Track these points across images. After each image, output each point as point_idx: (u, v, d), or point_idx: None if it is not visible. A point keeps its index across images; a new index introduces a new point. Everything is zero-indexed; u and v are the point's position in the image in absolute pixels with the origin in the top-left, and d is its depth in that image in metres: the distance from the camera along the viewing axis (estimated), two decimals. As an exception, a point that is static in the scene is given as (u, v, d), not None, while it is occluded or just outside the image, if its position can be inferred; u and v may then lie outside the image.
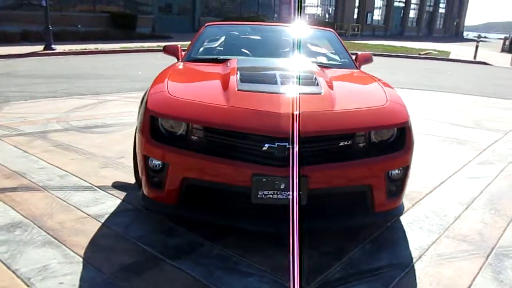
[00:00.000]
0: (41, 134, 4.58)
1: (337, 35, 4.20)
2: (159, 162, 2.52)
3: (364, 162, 2.44)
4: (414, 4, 44.18)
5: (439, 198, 3.41)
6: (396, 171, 2.56)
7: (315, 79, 2.88)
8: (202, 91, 2.79)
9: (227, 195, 2.45)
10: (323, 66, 3.52)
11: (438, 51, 21.41)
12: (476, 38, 26.87)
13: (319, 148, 2.39)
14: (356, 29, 33.22)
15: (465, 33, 59.44)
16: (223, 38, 4.19)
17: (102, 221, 2.78)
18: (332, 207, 2.49)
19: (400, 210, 2.68)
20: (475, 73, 14.12)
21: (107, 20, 20.65)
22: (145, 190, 2.65)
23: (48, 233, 2.59)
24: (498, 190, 3.64)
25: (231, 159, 2.36)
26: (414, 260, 2.50)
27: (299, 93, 2.60)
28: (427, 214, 3.09)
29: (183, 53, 3.91)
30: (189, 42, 4.25)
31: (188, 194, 2.48)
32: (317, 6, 35.28)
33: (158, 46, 16.16)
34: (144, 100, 2.73)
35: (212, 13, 27.37)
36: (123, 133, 4.77)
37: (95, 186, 3.30)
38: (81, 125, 5.04)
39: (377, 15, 39.94)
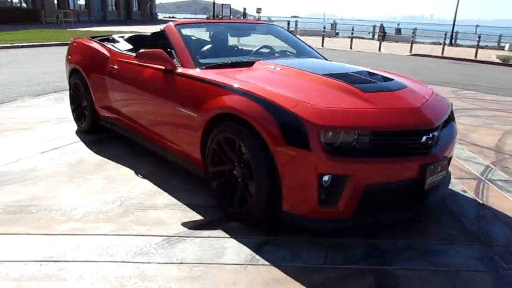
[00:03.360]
0: None
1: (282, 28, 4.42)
2: (329, 177, 2.42)
3: (454, 137, 3.05)
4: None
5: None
6: (453, 140, 3.28)
7: (375, 74, 3.23)
8: (330, 98, 2.68)
9: (397, 190, 2.62)
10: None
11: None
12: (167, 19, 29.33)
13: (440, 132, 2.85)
14: (59, 15, 30.66)
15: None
16: (209, 38, 3.77)
17: (266, 262, 2.41)
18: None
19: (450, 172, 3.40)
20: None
21: None
22: (307, 211, 2.48)
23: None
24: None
25: (403, 156, 2.55)
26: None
27: (400, 88, 2.93)
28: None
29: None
30: None
31: (364, 201, 2.50)
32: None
33: None
34: (287, 115, 2.44)
35: None
36: (60, 173, 3.62)
37: (171, 236, 2.65)
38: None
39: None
